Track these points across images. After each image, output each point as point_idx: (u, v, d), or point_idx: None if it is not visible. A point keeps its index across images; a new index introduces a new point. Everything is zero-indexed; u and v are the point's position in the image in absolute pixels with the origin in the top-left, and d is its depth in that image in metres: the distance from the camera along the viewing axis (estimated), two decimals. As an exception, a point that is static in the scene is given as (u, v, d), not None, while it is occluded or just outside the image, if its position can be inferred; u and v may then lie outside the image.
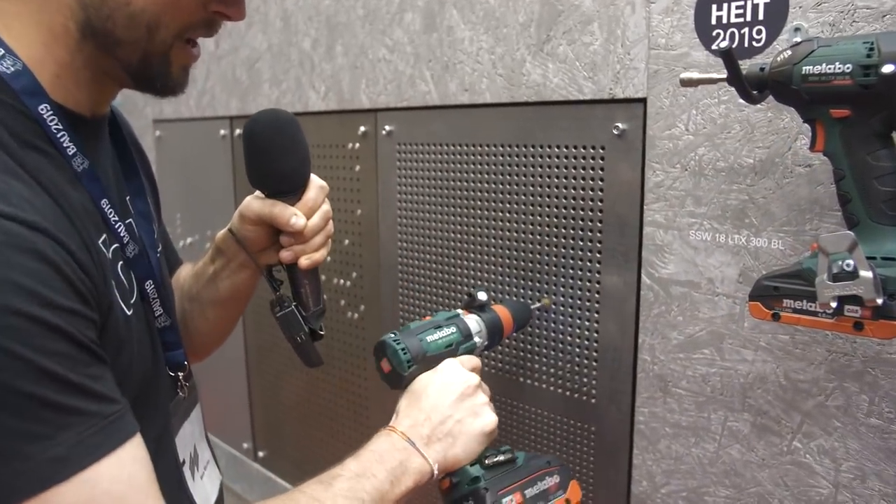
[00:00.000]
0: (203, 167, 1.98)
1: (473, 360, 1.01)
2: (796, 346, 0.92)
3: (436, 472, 0.88)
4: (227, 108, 1.87)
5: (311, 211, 0.90)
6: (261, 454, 2.01)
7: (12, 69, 0.69)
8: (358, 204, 1.52)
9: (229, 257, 0.98)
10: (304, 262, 0.91)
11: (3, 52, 0.69)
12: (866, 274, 0.67)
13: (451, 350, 1.00)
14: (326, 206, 0.93)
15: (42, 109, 0.70)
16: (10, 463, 0.57)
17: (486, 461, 0.93)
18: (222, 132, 1.89)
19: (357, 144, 1.49)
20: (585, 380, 1.17)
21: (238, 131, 1.82)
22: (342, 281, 1.58)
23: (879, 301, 0.67)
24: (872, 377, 0.87)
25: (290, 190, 0.90)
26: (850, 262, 0.68)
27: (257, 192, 0.93)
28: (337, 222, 1.53)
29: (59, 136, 0.71)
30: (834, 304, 0.70)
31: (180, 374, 0.87)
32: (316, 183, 0.92)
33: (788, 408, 0.94)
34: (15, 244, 0.58)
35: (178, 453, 0.86)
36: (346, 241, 1.56)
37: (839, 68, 0.69)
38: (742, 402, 0.98)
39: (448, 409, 0.92)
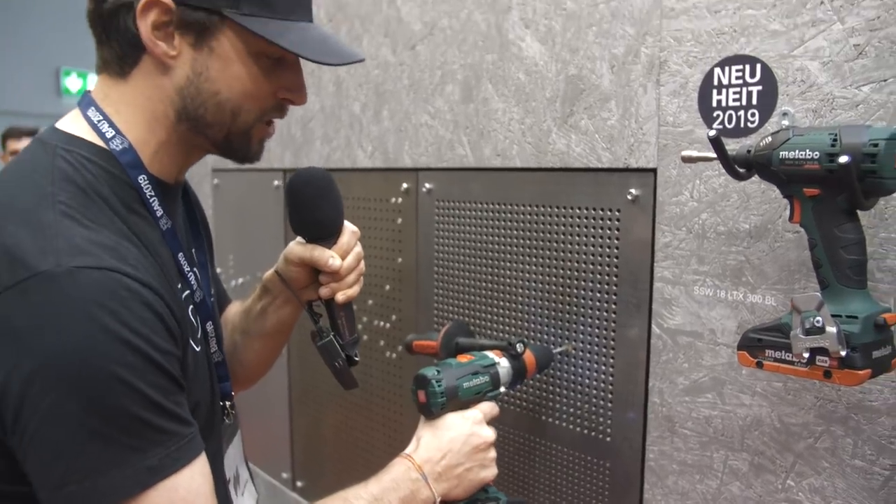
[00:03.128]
0: (256, 214, 2.15)
1: (495, 410, 1.13)
2: (788, 392, 1.03)
3: (437, 503, 1.01)
4: (281, 161, 2.04)
5: (345, 253, 1.05)
6: (299, 484, 2.13)
7: (121, 147, 0.85)
8: (399, 253, 1.66)
9: (275, 295, 1.13)
10: (340, 297, 1.05)
11: (114, 132, 0.85)
12: (832, 329, 0.78)
13: (480, 396, 1.13)
14: (358, 248, 1.08)
15: (141, 180, 0.86)
16: (116, 468, 0.72)
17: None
18: (276, 183, 2.05)
19: (400, 199, 1.64)
20: (601, 419, 1.28)
21: (290, 183, 1.99)
22: (382, 323, 1.72)
23: (843, 353, 0.78)
24: (855, 422, 0.97)
25: (327, 236, 1.05)
26: (819, 318, 0.79)
27: (298, 238, 1.08)
28: (378, 269, 1.68)
29: (151, 201, 0.87)
30: (806, 355, 0.81)
31: (227, 402, 1.01)
32: (349, 228, 1.07)
33: (782, 449, 1.05)
34: (135, 298, 0.74)
35: (225, 472, 1.00)
36: (387, 287, 1.70)
37: (809, 155, 0.81)
38: (741, 442, 1.09)
39: (463, 457, 1.05)
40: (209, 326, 0.96)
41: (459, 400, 1.09)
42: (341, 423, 1.92)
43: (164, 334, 0.77)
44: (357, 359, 1.07)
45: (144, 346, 0.73)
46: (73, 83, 10.04)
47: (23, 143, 3.74)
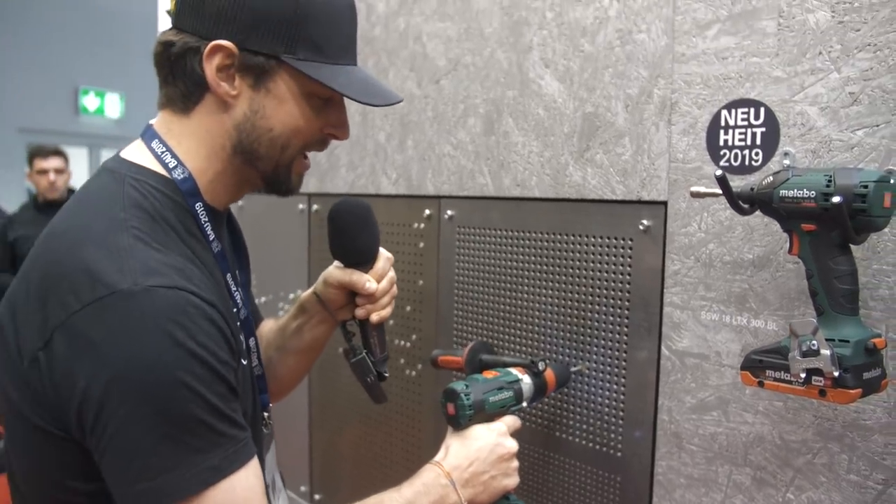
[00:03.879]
0: (280, 236, 2.24)
1: (517, 423, 1.21)
2: (788, 411, 1.11)
3: None
4: (306, 186, 2.12)
5: (380, 277, 1.15)
6: (317, 497, 2.20)
7: (181, 176, 0.94)
8: (420, 276, 1.75)
9: (311, 314, 1.22)
10: (374, 317, 1.15)
11: (176, 163, 0.94)
12: (826, 352, 0.87)
13: (504, 410, 1.21)
14: (392, 273, 1.18)
15: (198, 206, 0.95)
16: (183, 468, 0.80)
17: None
18: (301, 207, 2.15)
19: (422, 225, 1.73)
20: (612, 435, 1.35)
21: (315, 207, 2.08)
22: (403, 342, 1.80)
23: (836, 373, 0.86)
24: (851, 439, 1.05)
25: (365, 261, 1.14)
26: (815, 342, 0.88)
27: (337, 263, 1.17)
28: (400, 290, 1.75)
29: (206, 226, 0.96)
30: (803, 375, 0.90)
31: (265, 413, 1.09)
32: (384, 255, 1.17)
33: (783, 464, 1.12)
34: (201, 314, 0.83)
35: (265, 478, 1.08)
36: (408, 308, 1.78)
37: (806, 194, 0.90)
38: (744, 458, 1.16)
39: (488, 465, 1.12)
40: (252, 342, 1.05)
41: (485, 413, 1.17)
42: (360, 438, 1.99)
43: (224, 347, 0.85)
44: (387, 374, 1.16)
45: (209, 358, 0.82)
46: (90, 102, 10.20)
47: (49, 162, 3.85)
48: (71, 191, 4.08)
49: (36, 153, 3.92)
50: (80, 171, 7.36)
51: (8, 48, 8.91)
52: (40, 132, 9.34)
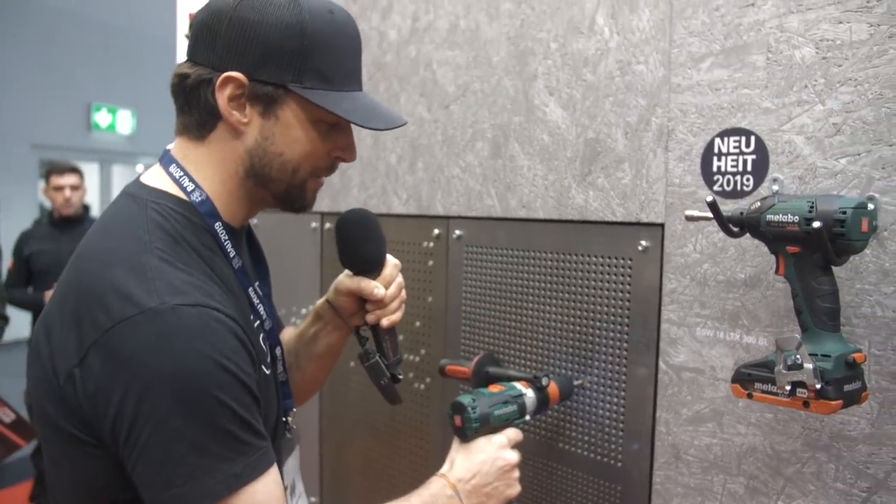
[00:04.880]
0: (293, 253, 2.30)
1: (519, 436, 1.26)
2: (778, 422, 1.17)
3: None
4: (319, 205, 2.17)
5: (388, 283, 1.20)
6: (327, 508, 2.26)
7: (199, 199, 1.00)
8: (429, 293, 1.81)
9: (326, 321, 1.27)
10: (384, 322, 1.20)
11: (194, 186, 1.01)
12: (809, 366, 0.93)
13: (508, 423, 1.27)
14: (400, 279, 1.23)
15: (217, 226, 1.01)
16: (209, 475, 0.85)
17: None
18: (313, 225, 2.22)
19: (431, 244, 1.80)
20: (613, 447, 1.42)
21: (328, 225, 2.15)
22: (412, 357, 1.87)
23: (818, 386, 0.93)
24: (837, 450, 1.11)
25: (372, 269, 1.19)
26: (798, 356, 0.94)
27: (346, 271, 1.23)
28: (409, 307, 1.81)
29: (226, 244, 1.02)
30: (788, 387, 0.96)
31: (289, 418, 1.14)
32: (391, 262, 1.22)
33: (774, 473, 1.18)
34: (224, 328, 0.89)
35: (284, 482, 1.13)
36: (417, 323, 1.85)
37: (790, 218, 0.97)
38: (738, 467, 1.22)
39: (491, 476, 1.18)
40: (277, 351, 1.11)
41: (491, 426, 1.24)
42: (369, 449, 2.05)
43: (246, 359, 0.91)
44: (400, 377, 1.21)
45: (234, 370, 0.87)
46: (102, 118, 10.35)
47: (65, 179, 3.92)
48: (85, 207, 4.16)
49: (52, 170, 3.99)
50: (91, 187, 7.46)
51: (22, 66, 9.07)
52: (53, 148, 9.49)
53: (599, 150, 1.41)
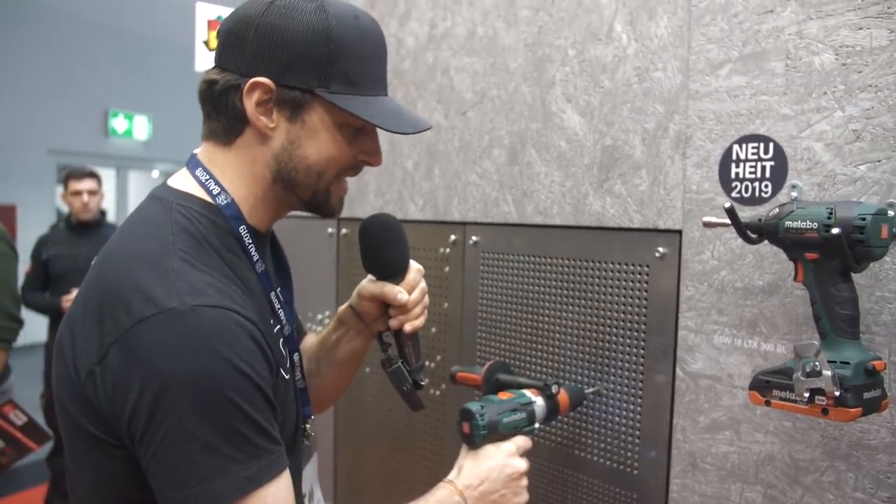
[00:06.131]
0: (310, 258, 2.32)
1: (528, 444, 1.26)
2: (797, 431, 1.16)
3: None
4: (335, 211, 2.21)
5: (411, 288, 1.20)
6: (342, 514, 2.26)
7: (225, 202, 1.01)
8: (445, 299, 1.82)
9: (349, 327, 1.27)
10: (407, 327, 1.20)
11: (220, 190, 1.01)
12: (828, 373, 0.93)
13: (516, 431, 1.27)
14: (423, 284, 1.23)
15: (241, 230, 1.02)
16: (221, 477, 0.85)
17: None
18: (329, 230, 2.23)
19: (448, 250, 1.81)
20: (629, 454, 1.41)
21: (344, 231, 2.16)
22: (428, 363, 1.87)
23: (837, 393, 0.92)
24: (856, 459, 1.10)
25: (395, 274, 1.19)
26: (817, 363, 0.94)
27: (369, 276, 1.23)
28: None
29: (249, 247, 1.03)
30: (807, 395, 0.96)
31: (307, 425, 1.14)
32: (414, 267, 1.22)
33: (792, 482, 1.17)
34: (242, 331, 0.89)
35: (302, 488, 1.14)
36: (433, 329, 1.85)
37: (809, 225, 0.97)
38: (755, 476, 1.22)
39: (499, 483, 1.18)
40: (296, 357, 1.11)
41: (499, 433, 1.23)
42: (384, 455, 2.05)
43: (263, 363, 0.91)
44: (422, 383, 1.21)
45: (250, 372, 0.87)
46: (119, 124, 10.43)
47: (83, 184, 3.96)
48: (102, 212, 4.19)
49: (70, 175, 4.03)
50: (108, 192, 7.52)
51: (40, 72, 9.17)
52: (70, 153, 9.57)
53: (617, 157, 1.41)
